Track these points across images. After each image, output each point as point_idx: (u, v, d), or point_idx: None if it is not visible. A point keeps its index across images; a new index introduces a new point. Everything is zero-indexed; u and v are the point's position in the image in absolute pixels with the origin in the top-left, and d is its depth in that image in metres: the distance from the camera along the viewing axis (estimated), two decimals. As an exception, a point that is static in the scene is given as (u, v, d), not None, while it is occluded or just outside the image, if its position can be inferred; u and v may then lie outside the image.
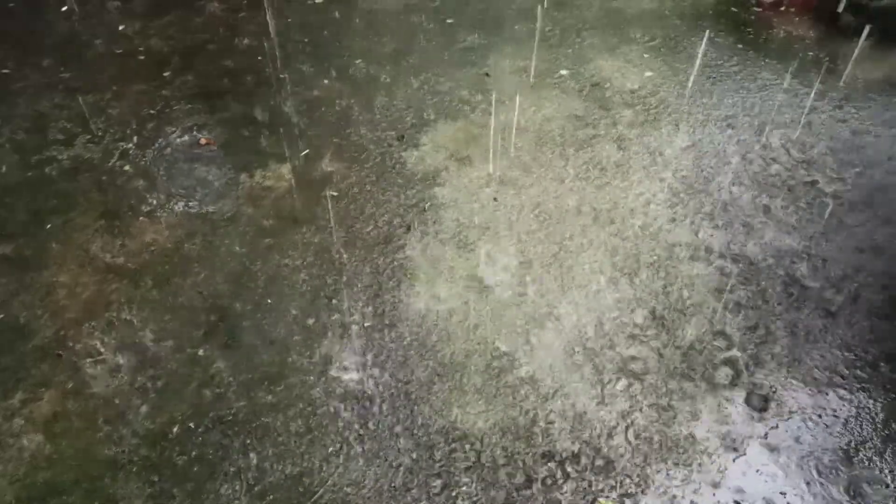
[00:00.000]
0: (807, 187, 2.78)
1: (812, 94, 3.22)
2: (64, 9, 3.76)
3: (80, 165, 2.88)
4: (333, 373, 2.16)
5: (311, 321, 2.31)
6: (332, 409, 2.06)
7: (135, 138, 3.01)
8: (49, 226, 2.63)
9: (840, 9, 3.53)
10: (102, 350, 2.22)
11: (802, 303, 2.36)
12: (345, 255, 2.53)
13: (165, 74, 3.35)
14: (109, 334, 2.27)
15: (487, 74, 3.39)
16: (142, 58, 3.46)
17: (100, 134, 3.02)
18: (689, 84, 3.30)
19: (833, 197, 2.73)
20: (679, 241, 2.57)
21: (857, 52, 3.41)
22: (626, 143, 2.99)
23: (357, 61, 3.46)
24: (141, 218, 2.66)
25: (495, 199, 2.75)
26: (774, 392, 2.10)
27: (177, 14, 3.75)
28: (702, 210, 2.69)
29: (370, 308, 2.35)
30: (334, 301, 2.37)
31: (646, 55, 3.49)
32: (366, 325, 2.30)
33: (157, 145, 2.98)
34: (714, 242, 2.56)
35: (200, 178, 2.83)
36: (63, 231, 2.61)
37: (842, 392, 2.11)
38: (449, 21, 3.76)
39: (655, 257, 2.51)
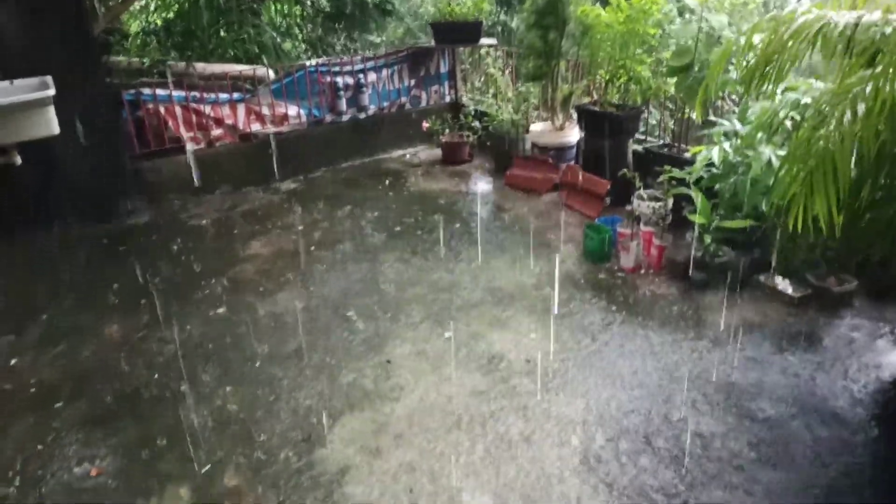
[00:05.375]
0: (696, 438, 2.91)
1: (682, 344, 3.53)
2: (-49, 349, 3.70)
3: (-52, 521, 2.61)
4: None
5: None
6: None
7: (17, 480, 2.79)
8: None
9: (689, 267, 4.05)
10: None
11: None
12: (252, 583, 2.31)
13: (57, 405, 3.24)
14: None
15: (389, 361, 3.51)
16: (33, 391, 3.36)
17: (-24, 481, 2.79)
18: (577, 348, 3.55)
19: (723, 447, 2.87)
20: (598, 508, 2.56)
21: (711, 302, 3.86)
22: (528, 413, 3.08)
23: (258, 364, 3.52)
24: (15, 575, 2.37)
25: (411, 491, 2.68)
26: None
27: (72, 341, 3.76)
28: (609, 477, 2.72)
29: None
30: None
31: (533, 325, 3.77)
32: None
33: (42, 484, 2.76)
34: (631, 505, 2.57)
35: (89, 516, 2.61)
36: None
37: None
38: (349, 314, 3.97)
39: (578, 531, 2.46)
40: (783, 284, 3.90)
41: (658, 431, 2.93)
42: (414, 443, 2.94)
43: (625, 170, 4.62)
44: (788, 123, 3.34)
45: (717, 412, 3.03)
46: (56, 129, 4.54)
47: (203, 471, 2.81)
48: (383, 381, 3.36)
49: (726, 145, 3.85)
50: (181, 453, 2.91)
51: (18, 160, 4.62)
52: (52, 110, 4.48)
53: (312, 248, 4.86)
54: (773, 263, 3.94)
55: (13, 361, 3.60)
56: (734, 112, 4.56)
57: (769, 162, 3.54)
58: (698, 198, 3.92)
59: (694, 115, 4.80)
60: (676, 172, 4.20)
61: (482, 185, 6.15)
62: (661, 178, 4.34)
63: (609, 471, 2.73)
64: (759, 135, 3.67)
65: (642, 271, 4.29)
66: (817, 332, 3.59)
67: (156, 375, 3.45)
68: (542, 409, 3.11)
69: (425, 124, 6.95)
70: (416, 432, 3.00)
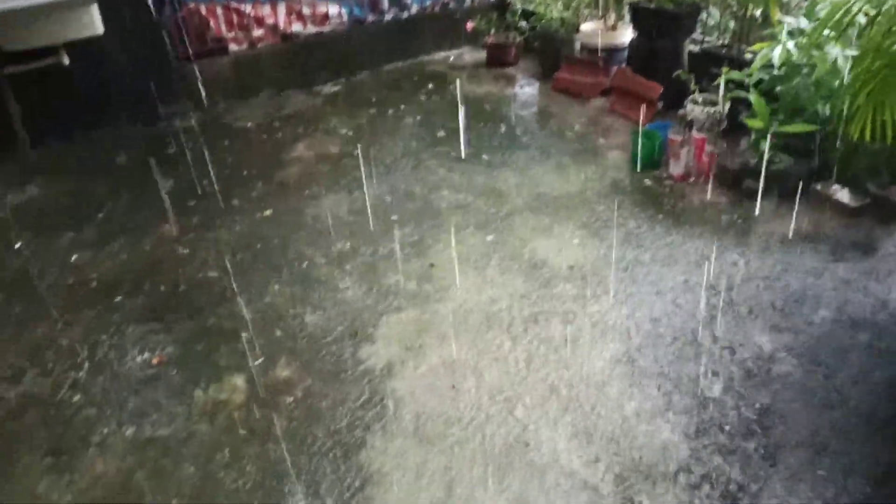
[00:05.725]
0: (745, 347, 2.91)
1: (732, 253, 3.48)
2: (17, 246, 3.87)
3: (28, 401, 2.82)
4: None
5: (272, 543, 2.19)
6: None
7: (85, 366, 2.98)
8: (-9, 471, 2.51)
9: (742, 175, 3.92)
10: None
11: (762, 460, 2.38)
12: (305, 464, 2.46)
13: (117, 299, 3.40)
14: (53, 588, 2.10)
15: (432, 265, 3.56)
16: (94, 285, 3.53)
17: (49, 366, 2.99)
18: (621, 255, 3.53)
19: (774, 351, 2.86)
20: (637, 408, 2.61)
21: (763, 211, 3.75)
22: (570, 318, 3.12)
23: (304, 265, 3.61)
24: (90, 450, 2.57)
25: (453, 388, 2.77)
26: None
27: (128, 239, 3.90)
28: (651, 379, 2.76)
29: (334, 520, 2.26)
30: (296, 517, 2.27)
31: (577, 232, 3.75)
32: (331, 539, 2.19)
33: (108, 371, 2.95)
34: (669, 409, 2.61)
35: (152, 400, 2.79)
36: (6, 475, 2.49)
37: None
38: (392, 217, 4.01)
39: (616, 431, 2.53)
40: (841, 193, 3.75)
41: (701, 338, 2.94)
42: (456, 343, 3.01)
43: (680, 71, 4.42)
44: (862, 19, 3.10)
45: (761, 319, 3.01)
46: (100, 29, 4.53)
47: (256, 363, 2.95)
48: (426, 283, 3.42)
49: (790, 44, 3.62)
50: (235, 346, 3.06)
51: (66, 60, 4.65)
52: (95, 9, 4.46)
53: (355, 152, 4.85)
54: (833, 172, 3.78)
55: (74, 257, 3.76)
56: (801, 8, 4.26)
57: (836, 62, 3.33)
58: (757, 101, 3.73)
59: (758, 13, 4.51)
60: (734, 74, 3.99)
61: (528, 88, 5.97)
62: (717, 81, 4.13)
63: (651, 375, 2.77)
64: (827, 32, 3.43)
65: (692, 179, 4.17)
66: (874, 243, 3.48)
67: (208, 273, 3.57)
68: (584, 313, 3.14)
69: (470, 25, 6.70)
70: (459, 333, 3.07)
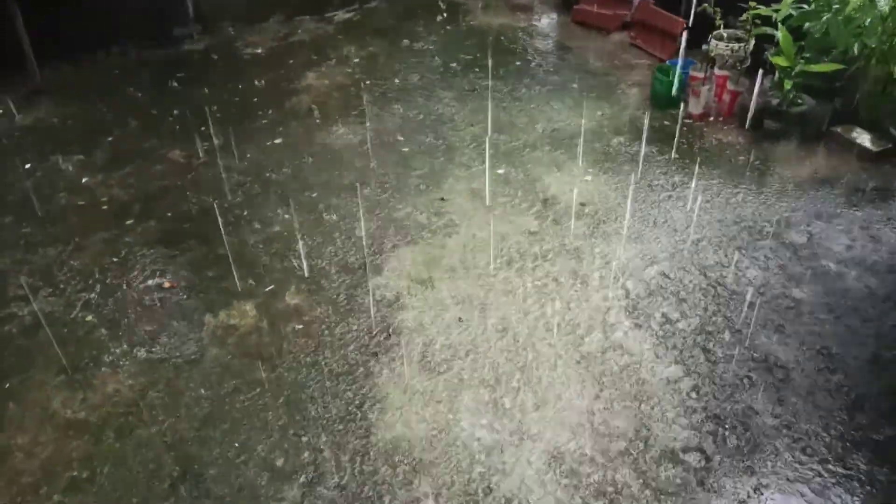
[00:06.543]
0: (754, 289, 2.90)
1: (748, 195, 3.42)
2: (27, 166, 3.86)
3: (41, 320, 2.86)
4: (306, 516, 2.09)
5: (279, 462, 2.25)
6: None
7: (97, 287, 3.01)
8: (7, 385, 2.57)
9: (763, 115, 3.82)
10: (61, 514, 2.12)
11: (762, 395, 2.40)
12: (313, 389, 2.51)
13: (128, 222, 3.41)
14: (69, 496, 2.17)
15: (443, 199, 3.53)
16: (104, 208, 3.53)
17: (62, 286, 3.02)
18: (634, 194, 3.48)
19: (784, 297, 2.85)
20: (640, 347, 2.63)
21: (782, 153, 3.68)
22: (580, 255, 3.10)
23: (314, 195, 3.59)
24: (103, 368, 2.62)
25: (460, 320, 2.79)
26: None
27: (138, 163, 3.87)
28: (659, 315, 2.77)
29: (341, 442, 2.31)
30: (303, 438, 2.33)
31: (590, 170, 3.69)
32: (336, 460, 2.25)
33: (119, 293, 2.98)
34: (673, 346, 2.63)
35: (164, 323, 2.83)
36: (21, 390, 2.55)
37: (819, 487, 2.12)
38: (404, 150, 3.96)
39: (620, 365, 2.55)
40: (862, 137, 3.66)
41: (712, 278, 2.93)
42: (465, 276, 3.02)
43: (705, 4, 4.24)
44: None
45: (773, 262, 3.00)
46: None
47: (266, 290, 2.98)
48: (437, 216, 3.40)
49: (824, -22, 3.46)
50: (244, 273, 3.07)
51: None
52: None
53: (368, 82, 4.75)
54: (855, 114, 3.67)
55: (84, 180, 3.75)
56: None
57: (872, -3, 3.18)
58: (783, 37, 3.59)
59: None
60: (762, 10, 3.83)
61: (546, 20, 5.78)
62: (744, 16, 3.98)
63: (657, 313, 2.78)
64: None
65: (711, 118, 4.08)
66: (892, 188, 3.41)
67: (218, 200, 3.56)
68: (594, 251, 3.13)
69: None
70: (468, 267, 3.07)
